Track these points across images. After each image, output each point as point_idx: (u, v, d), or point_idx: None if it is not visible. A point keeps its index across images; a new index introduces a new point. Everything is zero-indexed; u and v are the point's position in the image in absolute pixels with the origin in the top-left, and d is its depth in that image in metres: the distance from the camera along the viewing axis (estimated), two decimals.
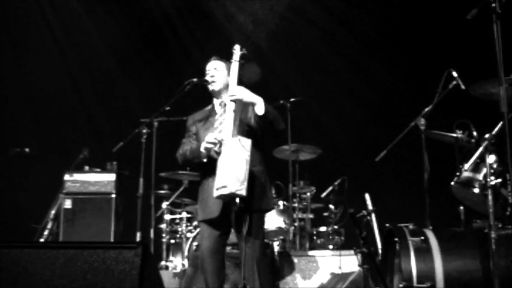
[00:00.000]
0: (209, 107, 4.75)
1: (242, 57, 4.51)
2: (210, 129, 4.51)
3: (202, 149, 4.37)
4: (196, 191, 4.70)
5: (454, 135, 4.95)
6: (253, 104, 4.33)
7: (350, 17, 8.84)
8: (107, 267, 2.91)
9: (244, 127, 4.47)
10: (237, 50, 4.52)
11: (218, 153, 4.26)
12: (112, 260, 2.91)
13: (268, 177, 4.55)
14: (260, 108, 4.28)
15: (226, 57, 4.61)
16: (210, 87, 4.64)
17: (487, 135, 4.64)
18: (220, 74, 4.64)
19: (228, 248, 6.03)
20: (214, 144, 4.27)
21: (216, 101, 4.70)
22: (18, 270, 2.99)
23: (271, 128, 4.40)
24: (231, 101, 4.35)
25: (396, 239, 4.74)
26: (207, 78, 4.65)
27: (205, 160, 4.39)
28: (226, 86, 4.54)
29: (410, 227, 4.82)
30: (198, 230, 6.75)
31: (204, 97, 4.81)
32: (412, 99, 7.25)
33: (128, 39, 9.30)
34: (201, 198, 4.57)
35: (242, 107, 4.48)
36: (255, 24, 9.10)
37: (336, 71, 8.87)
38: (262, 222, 4.56)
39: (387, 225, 5.12)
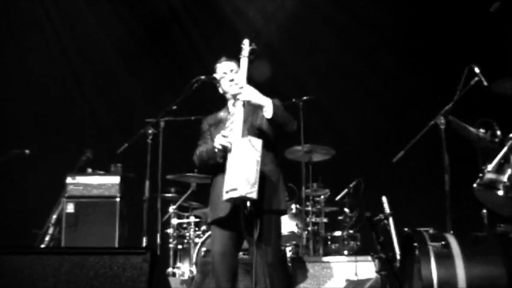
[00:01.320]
0: (223, 110, 4.74)
1: (252, 52, 4.49)
2: (222, 130, 4.51)
3: (216, 149, 4.38)
4: (204, 194, 4.70)
5: (475, 130, 4.92)
6: (261, 107, 4.32)
7: (365, 11, 8.82)
8: (113, 274, 2.91)
9: (255, 129, 4.47)
10: (246, 45, 4.50)
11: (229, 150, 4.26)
12: (119, 266, 2.91)
13: (281, 176, 4.54)
14: (268, 111, 4.28)
15: (235, 54, 4.60)
16: (231, 90, 4.55)
17: (511, 135, 4.62)
18: (240, 74, 4.61)
19: (240, 254, 6.04)
20: (224, 145, 4.27)
21: (230, 102, 4.69)
22: (21, 277, 2.99)
23: (281, 131, 4.40)
24: (239, 99, 4.34)
25: (415, 244, 4.72)
26: (229, 80, 4.62)
27: (221, 161, 4.40)
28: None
29: (431, 231, 4.80)
30: (206, 234, 6.76)
31: (213, 96, 4.82)
32: (431, 96, 7.23)
33: (133, 35, 9.33)
34: (212, 199, 4.58)
35: (253, 107, 4.48)
36: (265, 18, 9.10)
37: (351, 67, 8.86)
38: (276, 225, 4.49)
39: (406, 229, 5.11)
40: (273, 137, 4.50)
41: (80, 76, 9.46)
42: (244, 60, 4.46)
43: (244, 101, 4.33)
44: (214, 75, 4.69)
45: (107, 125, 9.27)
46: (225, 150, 4.30)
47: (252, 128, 4.45)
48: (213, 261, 4.47)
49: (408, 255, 5.01)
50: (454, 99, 5.31)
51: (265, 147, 4.27)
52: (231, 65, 4.67)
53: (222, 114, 4.73)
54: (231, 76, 4.62)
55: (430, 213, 6.15)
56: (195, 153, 4.69)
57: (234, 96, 4.45)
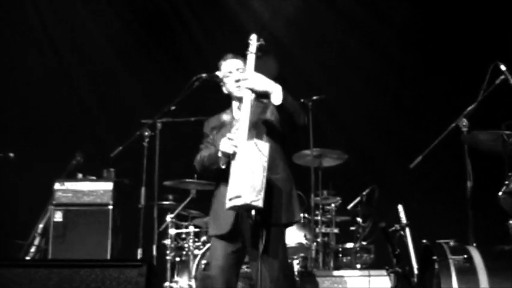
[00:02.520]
0: (227, 111, 4.73)
1: (259, 49, 4.49)
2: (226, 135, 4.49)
3: (220, 154, 4.37)
4: (205, 201, 4.70)
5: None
6: (268, 93, 4.31)
7: (382, 3, 8.82)
8: None
9: (264, 129, 4.46)
10: (253, 41, 4.49)
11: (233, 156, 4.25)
12: (113, 280, 2.91)
13: (294, 186, 4.53)
14: (277, 97, 4.26)
15: (240, 50, 4.60)
16: (236, 92, 4.58)
17: None
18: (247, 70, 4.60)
19: (244, 267, 6.03)
20: (230, 148, 4.26)
21: (234, 104, 4.68)
22: None
23: (289, 121, 4.37)
24: (243, 87, 4.32)
25: (435, 258, 4.72)
26: (231, 82, 4.61)
27: (223, 166, 4.39)
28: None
29: (451, 243, 4.79)
30: (207, 246, 6.75)
31: (215, 95, 4.81)
32: (452, 96, 7.24)
33: (129, 29, 9.34)
34: (213, 209, 4.57)
35: (263, 107, 4.47)
36: (272, 12, 9.10)
37: (365, 64, 8.85)
38: (283, 237, 4.52)
39: (424, 241, 5.09)
40: (283, 134, 4.48)
41: (71, 73, 9.47)
42: (251, 57, 4.45)
43: (250, 95, 4.31)
44: (217, 73, 4.68)
45: (99, 126, 9.27)
46: (229, 156, 4.29)
47: (259, 126, 4.43)
48: (213, 278, 4.46)
49: (427, 269, 5.01)
50: (478, 99, 5.30)
51: (275, 152, 4.26)
52: (238, 63, 4.65)
53: (225, 117, 4.72)
54: (237, 76, 4.60)
55: (450, 224, 6.14)
56: (196, 158, 4.68)
57: (240, 99, 4.45)
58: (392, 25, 8.76)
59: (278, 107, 4.27)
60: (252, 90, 4.32)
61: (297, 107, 4.37)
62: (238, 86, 4.53)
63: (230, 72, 4.65)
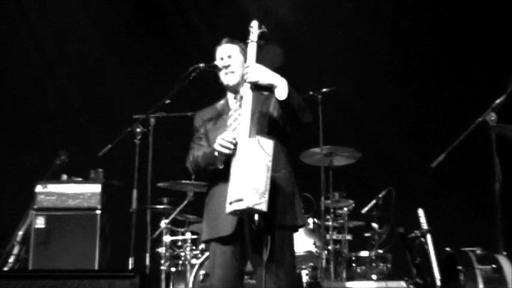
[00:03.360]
0: (221, 102, 4.74)
1: (261, 36, 4.50)
2: (221, 129, 4.50)
3: (216, 153, 4.36)
4: (203, 205, 4.70)
5: None
6: (272, 87, 4.32)
7: None
8: None
9: (266, 122, 4.46)
10: (254, 28, 4.51)
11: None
12: None
13: (296, 185, 4.54)
14: (282, 91, 4.27)
15: (242, 38, 4.61)
16: (225, 80, 4.63)
17: None
18: (236, 62, 4.62)
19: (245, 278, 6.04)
20: (229, 148, 4.26)
21: (230, 95, 4.69)
22: None
23: (292, 118, 4.40)
24: (246, 82, 4.34)
25: (460, 267, 4.72)
26: (220, 67, 4.64)
27: (221, 167, 4.39)
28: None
29: (478, 251, 4.80)
30: (206, 255, 6.76)
31: (214, 87, 4.82)
32: (479, 88, 7.24)
33: (118, 14, 9.34)
34: (209, 212, 4.56)
35: (263, 100, 4.48)
36: None
37: (381, 53, 8.86)
38: (290, 242, 4.51)
39: (447, 249, 5.10)
40: (286, 130, 4.50)
41: (53, 64, 9.48)
42: (252, 46, 4.46)
43: (252, 88, 4.33)
44: (216, 62, 4.69)
45: (85, 122, 9.27)
46: (228, 154, 4.29)
47: (262, 121, 4.44)
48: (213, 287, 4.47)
49: (451, 280, 5.01)
50: (507, 91, 5.30)
51: (277, 148, 4.26)
52: (231, 48, 4.67)
53: (219, 108, 4.72)
54: (227, 62, 4.62)
55: (477, 230, 6.15)
56: (188, 158, 4.67)
57: (232, 89, 4.47)
58: (413, 8, 8.74)
59: (281, 103, 4.29)
60: (255, 84, 4.33)
61: (302, 104, 4.38)
62: (227, 74, 4.57)
63: (221, 58, 4.66)
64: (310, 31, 9.04)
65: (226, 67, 4.60)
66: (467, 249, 4.85)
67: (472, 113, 5.50)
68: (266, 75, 4.31)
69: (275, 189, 4.27)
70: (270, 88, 4.35)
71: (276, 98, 4.31)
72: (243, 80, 4.44)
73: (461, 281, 4.72)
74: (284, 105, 4.31)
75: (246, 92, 4.34)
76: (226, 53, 4.66)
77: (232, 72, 4.58)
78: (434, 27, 8.63)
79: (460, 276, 4.75)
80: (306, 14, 9.08)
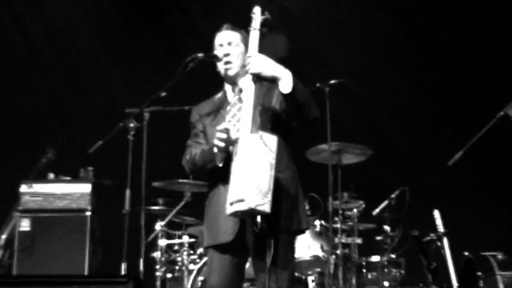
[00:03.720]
0: (219, 95, 4.73)
1: (264, 24, 4.49)
2: (220, 124, 4.49)
3: (215, 150, 4.37)
4: (202, 207, 4.71)
5: None
6: (276, 79, 4.31)
7: None
8: None
9: (268, 116, 4.46)
10: (257, 15, 4.50)
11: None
12: None
13: (300, 186, 4.55)
14: (286, 84, 4.27)
15: (243, 25, 4.61)
16: (223, 70, 4.61)
17: None
18: (237, 51, 4.61)
19: (245, 285, 6.05)
20: (227, 141, 4.26)
21: (228, 87, 4.69)
22: None
23: (298, 113, 4.38)
24: (248, 73, 4.33)
25: (479, 273, 4.72)
26: (219, 56, 4.63)
27: (221, 164, 4.40)
28: (245, 66, 4.50)
29: (499, 256, 4.81)
30: (204, 260, 6.78)
31: (213, 79, 4.82)
32: (499, 81, 7.24)
33: (113, 4, 9.34)
34: (209, 216, 4.57)
35: (266, 90, 4.47)
36: None
37: (393, 44, 8.87)
38: (292, 248, 4.55)
39: (465, 253, 5.11)
40: (291, 126, 4.49)
41: (40, 54, 9.50)
42: (254, 34, 4.44)
43: (254, 80, 4.32)
44: (216, 51, 4.69)
45: (74, 116, 9.28)
46: (227, 150, 4.30)
47: (265, 113, 4.44)
48: None
49: (469, 286, 5.01)
50: None
51: (281, 144, 4.25)
52: (232, 35, 4.65)
53: (217, 101, 4.72)
54: (227, 50, 4.61)
55: (497, 233, 6.15)
56: (185, 157, 4.67)
57: (230, 79, 4.47)
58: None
59: (286, 96, 4.27)
60: (257, 76, 4.32)
61: (308, 97, 4.36)
62: (226, 63, 4.56)
63: (221, 45, 4.65)
64: (317, 18, 9.06)
65: (226, 55, 4.58)
66: (487, 253, 4.86)
67: (492, 107, 5.50)
68: (269, 66, 4.29)
69: (278, 190, 4.26)
70: (272, 80, 4.34)
71: (280, 91, 4.31)
72: (243, 71, 4.44)
73: (481, 287, 4.73)
74: (289, 99, 4.28)
75: (248, 84, 4.33)
76: (226, 40, 4.64)
77: (230, 62, 4.56)
78: (450, 16, 8.63)
79: (479, 283, 4.76)
80: (312, 1, 9.09)
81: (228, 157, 4.31)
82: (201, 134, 4.66)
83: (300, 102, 4.30)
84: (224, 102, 4.66)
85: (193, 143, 4.67)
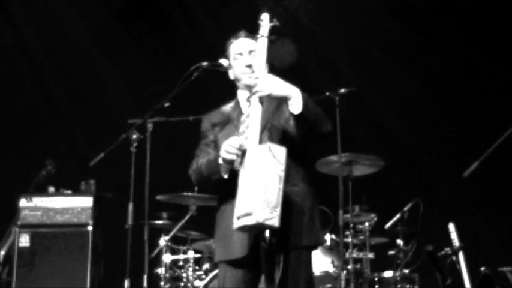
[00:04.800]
0: (232, 104, 4.71)
1: (273, 31, 4.50)
2: (232, 136, 4.48)
3: (220, 161, 4.37)
4: (207, 221, 4.71)
5: None
6: (286, 99, 4.32)
7: None
8: None
9: (278, 131, 4.47)
10: (265, 21, 4.50)
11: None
12: None
13: (316, 200, 4.54)
14: (296, 104, 4.28)
15: (248, 30, 4.61)
16: (247, 81, 4.58)
17: None
18: (258, 59, 4.56)
19: None
20: (237, 154, 4.27)
21: (241, 97, 4.66)
22: None
23: (310, 132, 4.38)
24: (257, 95, 4.34)
25: None
26: (241, 68, 4.59)
27: (226, 176, 4.40)
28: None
29: None
30: (210, 275, 6.78)
31: (219, 88, 4.83)
32: None
33: (110, 6, 9.36)
34: (221, 230, 4.56)
35: (277, 104, 4.47)
36: None
37: (406, 51, 8.86)
38: (307, 263, 4.50)
39: (482, 268, 5.10)
40: (302, 142, 4.49)
41: (38, 63, 9.51)
42: (262, 41, 4.45)
43: (261, 102, 4.32)
44: (222, 60, 4.68)
45: (74, 128, 9.30)
46: (233, 162, 4.30)
47: (274, 131, 4.44)
48: None
49: None
50: None
51: (293, 159, 4.25)
52: (251, 44, 4.61)
53: (230, 110, 4.71)
54: (249, 60, 4.59)
55: None
56: (192, 166, 4.65)
57: (250, 88, 4.44)
58: (442, 3, 8.75)
59: (296, 117, 4.28)
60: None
61: (319, 114, 4.35)
62: (248, 75, 4.54)
63: (240, 54, 4.62)
64: (326, 25, 9.06)
65: (249, 66, 4.55)
66: (504, 268, 4.85)
67: (508, 117, 5.50)
68: (279, 87, 4.27)
69: (290, 205, 4.27)
70: (281, 99, 4.34)
71: (289, 110, 4.31)
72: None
73: None
74: (299, 119, 4.29)
75: (255, 99, 4.33)
76: (246, 49, 4.60)
77: (254, 74, 4.45)
78: (465, 23, 8.63)
79: None
80: (321, 7, 9.10)
81: (233, 169, 4.32)
82: (211, 144, 4.64)
83: (310, 121, 4.30)
84: (237, 112, 4.63)
85: (201, 153, 4.66)
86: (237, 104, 4.67)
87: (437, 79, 8.79)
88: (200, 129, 4.76)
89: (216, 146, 4.58)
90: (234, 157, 4.26)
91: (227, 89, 4.76)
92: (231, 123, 4.60)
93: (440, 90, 8.75)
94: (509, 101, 5.96)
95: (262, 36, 4.46)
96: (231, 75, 4.69)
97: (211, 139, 4.66)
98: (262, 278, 4.49)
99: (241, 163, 4.24)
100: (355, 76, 8.47)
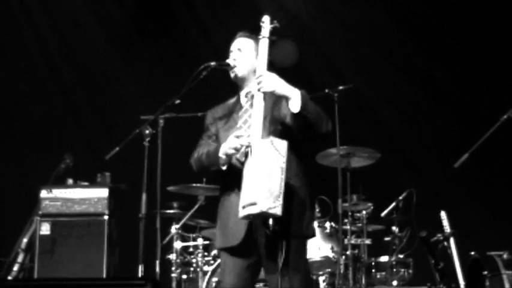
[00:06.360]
0: (233, 100, 4.75)
1: (273, 32, 4.51)
2: (232, 129, 4.51)
3: (221, 154, 4.39)
4: (215, 209, 4.72)
5: None
6: (286, 98, 4.34)
7: None
8: None
9: (278, 126, 4.47)
10: (266, 23, 4.51)
11: (242, 163, 4.28)
12: None
13: (309, 192, 4.54)
14: (295, 104, 4.29)
15: (253, 30, 4.61)
16: (231, 73, 4.65)
17: None
18: (245, 56, 4.62)
19: (258, 286, 6.05)
20: (237, 150, 4.29)
21: (242, 93, 4.70)
22: None
23: (309, 130, 4.40)
24: (259, 91, 4.35)
25: (485, 272, 4.71)
26: (229, 61, 4.66)
27: (224, 168, 4.41)
28: (255, 72, 4.52)
29: (505, 256, 4.79)
30: (218, 261, 6.78)
31: (225, 86, 4.83)
32: (503, 84, 7.20)
33: (123, 9, 9.35)
34: (220, 219, 4.58)
35: (275, 98, 4.48)
36: None
37: (401, 49, 8.84)
38: (304, 251, 4.56)
39: (472, 253, 5.09)
40: (299, 136, 4.49)
41: (56, 62, 9.51)
42: (264, 42, 4.47)
43: (264, 98, 4.34)
44: (229, 60, 4.70)
45: (91, 124, 9.31)
46: (231, 157, 4.33)
47: (274, 123, 4.45)
48: None
49: (476, 286, 5.00)
50: None
51: (290, 152, 4.26)
52: (242, 42, 4.67)
53: (230, 106, 4.73)
54: (234, 55, 4.64)
55: (503, 232, 6.11)
56: (193, 155, 4.69)
57: (239, 82, 4.50)
58: (434, 3, 8.72)
59: (296, 115, 4.29)
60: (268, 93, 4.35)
61: (318, 114, 4.37)
62: (234, 66, 4.59)
63: (231, 51, 4.68)
64: (325, 25, 9.04)
65: (233, 60, 4.62)
66: (493, 253, 4.84)
67: (496, 110, 5.49)
68: (280, 86, 4.32)
69: (289, 195, 4.26)
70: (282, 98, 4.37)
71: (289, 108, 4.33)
72: (251, 77, 4.48)
73: (487, 286, 4.72)
74: (298, 117, 4.31)
75: (258, 94, 4.35)
76: (236, 46, 4.68)
77: (236, 66, 4.59)
78: (455, 21, 8.61)
79: (485, 282, 4.74)
80: (320, 7, 9.07)
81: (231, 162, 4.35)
82: (213, 137, 4.69)
83: (310, 120, 4.32)
84: (237, 106, 4.67)
85: (203, 143, 4.71)
86: (237, 99, 4.72)
87: (429, 77, 8.77)
88: (204, 123, 4.81)
89: (217, 139, 4.64)
90: (234, 152, 4.29)
91: (233, 87, 4.76)
92: (231, 117, 4.64)
93: (431, 86, 8.73)
94: (499, 94, 5.95)
95: (263, 37, 4.48)
96: (231, 74, 4.70)
97: (213, 132, 4.70)
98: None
99: (241, 161, 4.26)
100: (353, 74, 8.44)
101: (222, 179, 4.60)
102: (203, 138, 4.75)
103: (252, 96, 4.49)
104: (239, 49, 4.66)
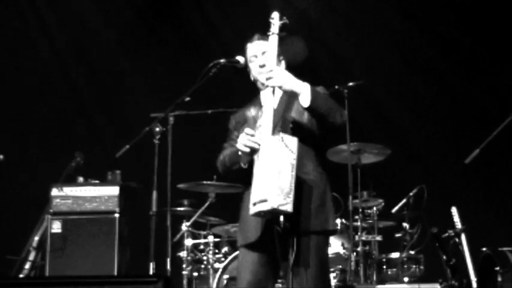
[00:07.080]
0: (254, 104, 4.72)
1: (283, 28, 4.49)
2: (252, 129, 4.49)
3: (240, 152, 4.38)
4: (225, 207, 4.72)
5: None
6: (296, 94, 4.32)
7: None
8: None
9: (289, 122, 4.46)
10: (275, 19, 4.49)
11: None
12: None
13: (328, 187, 4.51)
14: (305, 98, 4.28)
15: (262, 31, 4.59)
16: (262, 80, 4.54)
17: None
18: (269, 55, 4.57)
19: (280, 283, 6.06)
20: (249, 146, 4.27)
21: (262, 94, 4.66)
22: None
23: (321, 123, 4.39)
24: (267, 86, 4.34)
25: (497, 268, 4.69)
26: (256, 69, 4.59)
27: (245, 166, 4.40)
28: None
29: None
30: (229, 258, 6.78)
31: (236, 84, 4.83)
32: None
33: (132, 6, 9.36)
34: (241, 216, 4.58)
35: (287, 97, 4.47)
36: None
37: (411, 45, 8.82)
38: (320, 248, 4.44)
39: (484, 249, 5.07)
40: (317, 133, 4.48)
41: (66, 61, 9.52)
42: (273, 38, 4.44)
43: (274, 89, 4.33)
44: (238, 57, 4.68)
45: (101, 121, 9.32)
46: (251, 153, 4.30)
47: (285, 123, 4.44)
48: None
49: (488, 282, 4.98)
50: None
51: (305, 149, 4.26)
52: (264, 45, 4.59)
53: (252, 109, 4.71)
54: (262, 61, 4.58)
55: None
56: (219, 158, 4.70)
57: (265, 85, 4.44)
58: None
59: (307, 109, 4.28)
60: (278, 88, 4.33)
61: (330, 106, 4.34)
62: (264, 74, 4.53)
63: (255, 56, 4.63)
64: (335, 22, 9.03)
65: (263, 66, 4.54)
66: (505, 248, 4.82)
67: (507, 105, 5.47)
68: (289, 82, 4.30)
69: (302, 191, 4.27)
70: (292, 93, 4.35)
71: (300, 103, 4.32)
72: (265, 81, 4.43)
73: (499, 282, 4.70)
74: (310, 111, 4.31)
75: (268, 93, 4.34)
76: (261, 50, 4.61)
77: (270, 70, 4.41)
78: (466, 17, 8.58)
79: (497, 278, 4.73)
80: (329, 4, 9.06)
81: (253, 160, 4.33)
82: (235, 139, 4.66)
83: (321, 113, 4.30)
84: (257, 111, 4.64)
85: (227, 146, 4.72)
86: (258, 104, 4.68)
87: (440, 72, 8.75)
88: (228, 127, 4.81)
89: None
90: (247, 149, 4.27)
91: (242, 84, 4.76)
92: (253, 121, 4.60)
93: (442, 81, 8.71)
94: (509, 90, 5.92)
95: (273, 33, 4.46)
96: (251, 77, 4.69)
97: (236, 135, 4.66)
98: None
99: (257, 154, 4.26)
100: (363, 70, 8.43)
101: (246, 179, 4.59)
102: (228, 141, 4.76)
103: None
104: (263, 53, 4.61)
